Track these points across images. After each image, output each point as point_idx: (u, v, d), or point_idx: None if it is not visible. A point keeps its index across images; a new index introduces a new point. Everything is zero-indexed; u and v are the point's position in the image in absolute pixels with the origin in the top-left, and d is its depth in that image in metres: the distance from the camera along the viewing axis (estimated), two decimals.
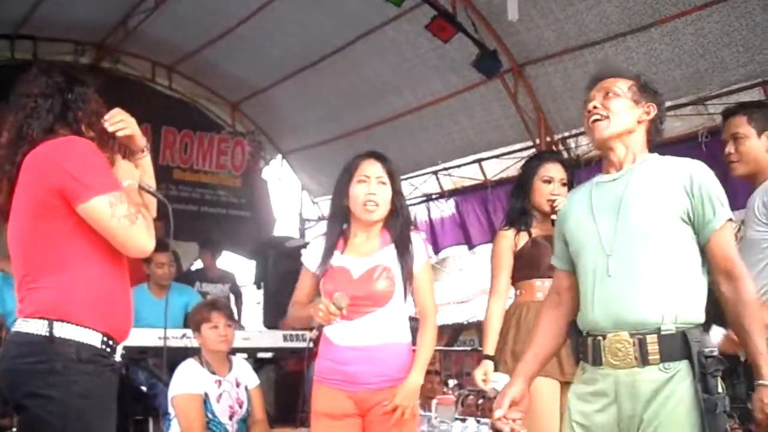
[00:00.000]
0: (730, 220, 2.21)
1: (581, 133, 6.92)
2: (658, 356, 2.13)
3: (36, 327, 2.24)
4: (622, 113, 2.31)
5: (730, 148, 3.13)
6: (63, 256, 2.28)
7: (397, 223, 3.09)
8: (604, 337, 2.20)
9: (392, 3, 6.44)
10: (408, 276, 3.04)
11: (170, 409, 4.10)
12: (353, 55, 7.70)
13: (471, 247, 8.44)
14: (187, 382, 4.06)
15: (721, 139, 3.20)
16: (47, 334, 2.23)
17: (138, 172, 2.50)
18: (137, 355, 4.50)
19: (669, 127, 6.70)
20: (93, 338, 2.28)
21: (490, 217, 7.92)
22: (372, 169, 3.08)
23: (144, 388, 4.80)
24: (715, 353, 2.13)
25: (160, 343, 4.64)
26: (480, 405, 7.77)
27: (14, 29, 7.81)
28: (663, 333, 2.14)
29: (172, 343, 4.73)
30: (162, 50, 8.66)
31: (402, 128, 8.28)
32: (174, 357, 4.64)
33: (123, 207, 2.25)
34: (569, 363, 3.47)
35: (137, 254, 2.31)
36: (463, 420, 5.90)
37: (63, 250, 2.28)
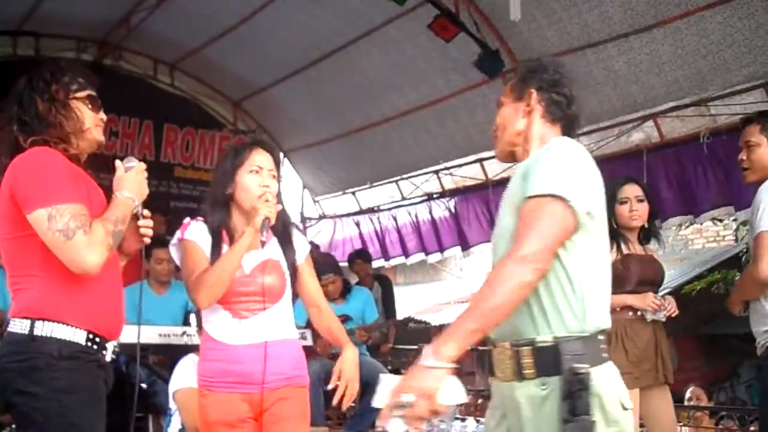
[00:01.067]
0: (558, 197, 1.98)
1: (582, 134, 6.91)
2: (533, 371, 1.98)
3: (20, 327, 2.33)
4: (505, 123, 2.25)
5: (742, 156, 3.29)
6: (44, 257, 2.32)
7: (278, 216, 2.96)
8: (495, 347, 2.10)
9: (395, 2, 6.43)
10: (293, 270, 2.96)
11: (171, 404, 4.10)
12: (355, 54, 7.69)
13: (466, 248, 8.41)
14: (188, 376, 4.06)
15: (737, 146, 3.35)
16: (29, 332, 2.30)
17: (146, 190, 2.51)
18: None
19: (670, 127, 6.76)
20: (76, 335, 2.34)
21: (492, 217, 7.90)
22: (265, 160, 2.94)
23: (144, 386, 4.80)
24: (583, 370, 1.92)
25: (160, 341, 4.65)
26: (479, 405, 7.77)
27: (17, 26, 7.81)
28: (538, 345, 1.98)
29: (173, 340, 4.73)
30: (164, 48, 8.66)
31: (404, 127, 8.27)
32: (175, 355, 4.65)
33: (62, 221, 2.24)
34: None
35: (75, 270, 2.29)
36: (463, 420, 5.90)
37: (41, 251, 2.32)
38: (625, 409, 2.01)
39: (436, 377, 1.81)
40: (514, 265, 1.91)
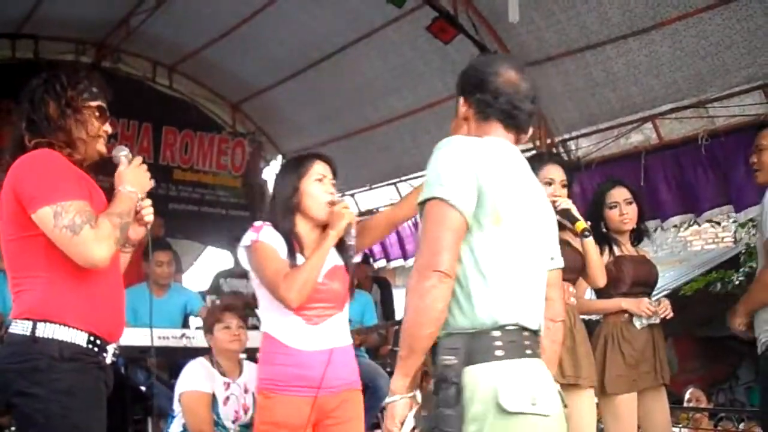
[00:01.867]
0: (438, 199, 1.99)
1: (581, 135, 6.92)
2: (434, 368, 2.02)
3: (21, 328, 2.34)
4: (452, 136, 2.26)
5: (753, 158, 3.47)
6: (47, 258, 2.34)
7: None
8: None
9: (393, 4, 6.44)
10: (352, 275, 3.06)
11: (175, 406, 4.10)
12: (354, 56, 7.70)
13: None
14: (196, 379, 4.07)
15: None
16: (30, 334, 2.30)
17: (147, 182, 2.54)
18: (137, 355, 4.50)
19: (669, 129, 6.76)
20: (77, 337, 2.34)
21: None
22: (326, 170, 3.05)
23: (143, 388, 4.80)
24: (449, 362, 1.92)
25: (159, 343, 4.64)
26: None
27: (15, 28, 7.81)
28: (435, 344, 2.00)
29: (172, 343, 4.73)
30: (163, 50, 8.66)
31: (403, 129, 8.27)
32: (173, 357, 4.65)
33: (67, 217, 2.26)
34: (569, 366, 3.50)
35: (84, 265, 2.32)
36: None
37: (44, 252, 2.34)
38: (505, 412, 1.90)
39: (392, 413, 1.97)
40: (413, 279, 1.98)
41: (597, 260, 3.68)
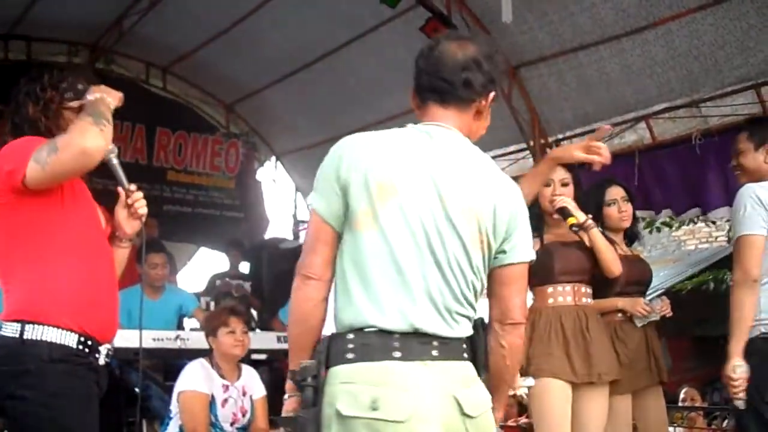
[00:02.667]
0: (310, 206, 2.03)
1: (575, 135, 6.93)
2: None
3: (11, 330, 2.30)
4: None
5: (734, 161, 3.51)
6: (33, 255, 2.32)
7: None
8: None
9: (387, 4, 6.44)
10: None
11: (173, 406, 4.09)
12: (348, 57, 7.69)
13: None
14: (195, 380, 4.07)
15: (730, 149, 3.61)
16: (19, 336, 2.27)
17: (115, 92, 2.54)
18: (131, 357, 4.49)
19: (663, 129, 6.77)
20: (67, 338, 2.31)
21: None
22: None
23: (137, 390, 4.79)
24: (306, 364, 1.91)
25: (154, 345, 4.64)
26: None
27: (8, 30, 7.79)
28: None
29: (166, 344, 4.72)
30: (156, 51, 8.64)
31: None
32: (168, 359, 4.63)
33: (43, 152, 2.23)
34: (581, 365, 3.50)
35: (84, 164, 2.28)
36: None
37: (33, 249, 2.31)
38: (341, 416, 1.83)
39: (286, 407, 2.05)
40: (294, 281, 2.02)
41: (606, 250, 3.63)
